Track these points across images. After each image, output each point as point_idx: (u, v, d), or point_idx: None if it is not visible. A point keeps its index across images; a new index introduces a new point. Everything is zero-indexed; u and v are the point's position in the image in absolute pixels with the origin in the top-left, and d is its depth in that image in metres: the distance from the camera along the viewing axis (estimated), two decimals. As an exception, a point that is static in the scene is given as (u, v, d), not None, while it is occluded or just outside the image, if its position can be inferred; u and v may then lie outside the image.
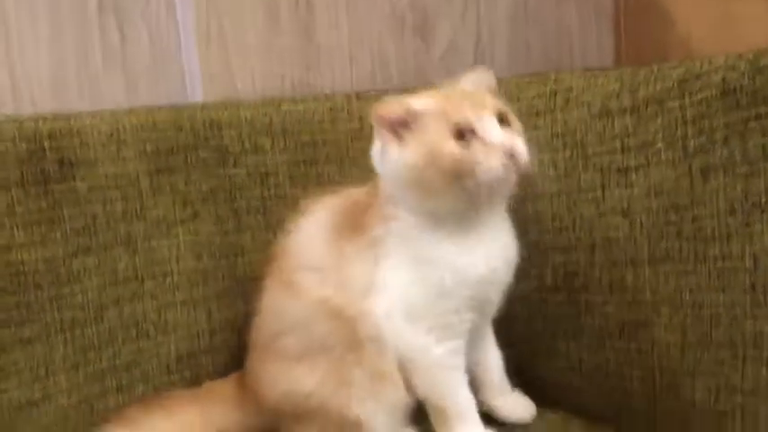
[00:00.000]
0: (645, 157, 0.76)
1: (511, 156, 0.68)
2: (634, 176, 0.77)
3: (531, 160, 0.71)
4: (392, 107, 0.72)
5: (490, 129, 0.69)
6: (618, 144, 0.79)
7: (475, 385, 0.81)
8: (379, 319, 0.73)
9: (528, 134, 0.87)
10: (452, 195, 0.70)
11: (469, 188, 0.69)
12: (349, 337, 0.74)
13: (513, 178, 0.71)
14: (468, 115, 0.69)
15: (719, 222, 0.69)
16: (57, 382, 0.81)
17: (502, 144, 0.68)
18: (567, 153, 0.84)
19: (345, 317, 0.74)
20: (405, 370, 0.75)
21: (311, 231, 0.79)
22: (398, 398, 0.76)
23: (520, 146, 0.70)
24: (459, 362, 0.77)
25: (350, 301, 0.74)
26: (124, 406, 0.86)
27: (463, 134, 0.69)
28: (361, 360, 0.75)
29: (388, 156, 0.73)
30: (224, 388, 0.87)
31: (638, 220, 0.77)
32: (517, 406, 0.85)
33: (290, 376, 0.77)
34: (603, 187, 0.81)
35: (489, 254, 0.74)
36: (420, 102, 0.72)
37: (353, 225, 0.76)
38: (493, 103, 0.72)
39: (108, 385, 0.86)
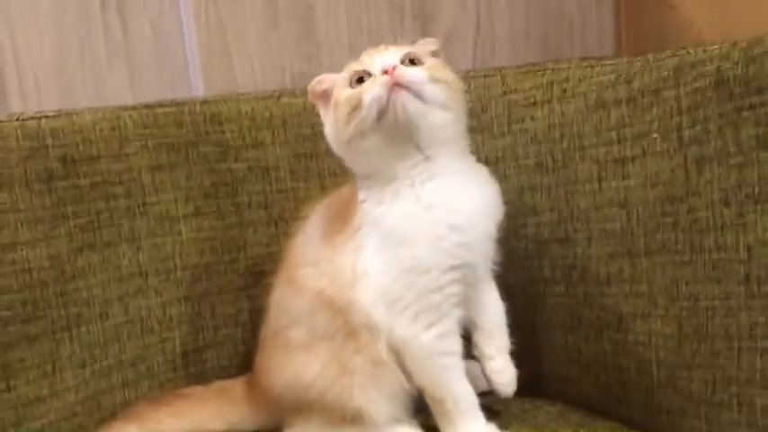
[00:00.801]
0: (641, 148, 0.76)
1: (394, 80, 0.69)
2: (630, 167, 0.77)
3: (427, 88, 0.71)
4: (317, 81, 0.78)
5: (377, 63, 0.72)
6: (614, 135, 0.79)
7: (474, 342, 0.81)
8: (366, 306, 0.74)
9: (525, 125, 0.88)
10: (371, 139, 0.72)
11: (368, 121, 0.70)
12: (346, 326, 0.75)
13: (402, 100, 0.70)
14: (363, 61, 0.74)
15: (714, 213, 0.69)
16: (63, 379, 0.83)
17: (382, 70, 0.70)
18: (564, 144, 0.84)
19: (338, 306, 0.75)
20: (400, 359, 0.76)
21: (308, 231, 0.81)
22: (399, 385, 0.77)
23: (406, 71, 0.70)
24: (452, 346, 0.75)
25: (340, 291, 0.75)
26: (130, 402, 0.87)
27: (361, 79, 0.73)
28: (360, 347, 0.75)
29: (326, 128, 0.79)
30: (234, 387, 0.89)
31: (635, 211, 0.77)
32: (503, 373, 0.80)
33: (293, 366, 0.79)
34: (600, 179, 0.81)
35: (454, 206, 0.73)
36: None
37: (341, 218, 0.78)
38: (400, 50, 0.74)
39: (114, 381, 0.87)
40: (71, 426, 0.82)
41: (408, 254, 0.72)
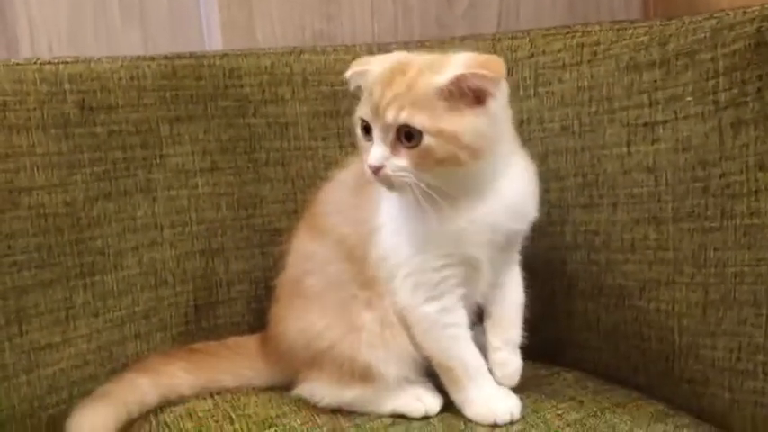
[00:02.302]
0: (673, 112, 0.74)
1: (373, 170, 0.67)
2: (661, 131, 0.76)
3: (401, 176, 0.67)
4: (353, 68, 0.73)
5: (373, 147, 0.68)
6: (645, 98, 0.77)
7: (484, 328, 0.79)
8: (377, 261, 0.74)
9: (552, 88, 0.86)
10: None
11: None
12: (359, 277, 0.75)
13: (374, 181, 0.68)
14: (365, 114, 0.69)
15: (748, 178, 0.67)
16: (76, 327, 0.82)
17: (369, 163, 0.67)
18: (593, 108, 0.82)
19: (356, 256, 0.75)
20: (406, 327, 0.75)
21: (341, 179, 0.80)
22: (408, 349, 0.75)
23: (388, 168, 0.67)
24: (456, 319, 0.74)
25: (361, 240, 0.75)
26: (142, 354, 0.87)
27: (367, 129, 0.69)
28: (371, 303, 0.75)
29: None
30: (249, 343, 0.88)
31: (664, 176, 0.76)
32: (505, 366, 0.77)
33: (305, 315, 0.78)
34: (629, 143, 0.79)
35: (463, 215, 0.70)
36: (373, 68, 0.70)
37: None
38: (395, 114, 0.66)
39: (127, 332, 0.87)
40: (82, 374, 0.81)
41: (412, 228, 0.72)
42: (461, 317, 0.75)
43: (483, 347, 0.77)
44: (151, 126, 0.88)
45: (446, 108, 0.66)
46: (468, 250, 0.72)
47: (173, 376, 0.83)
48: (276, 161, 0.96)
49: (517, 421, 0.74)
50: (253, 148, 0.95)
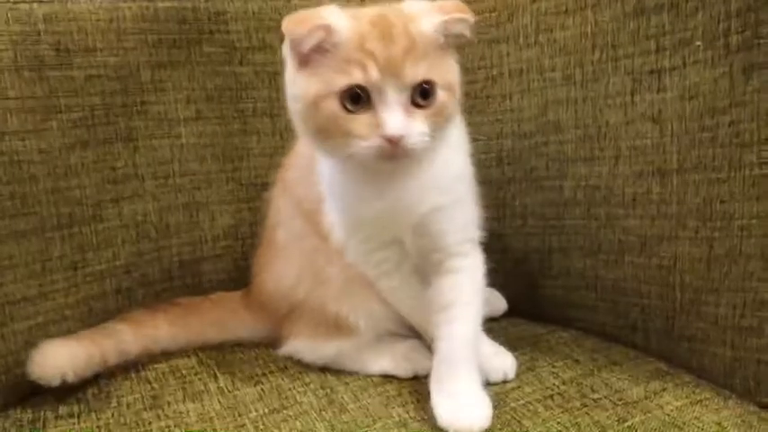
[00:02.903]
0: (681, 58, 0.71)
1: (395, 141, 0.58)
2: (668, 79, 0.72)
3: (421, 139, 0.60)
4: (308, 24, 0.58)
5: (388, 114, 0.58)
6: (652, 44, 0.73)
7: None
8: (330, 227, 0.71)
9: (554, 35, 0.82)
10: (329, 147, 0.62)
11: (354, 156, 0.60)
12: (319, 234, 0.72)
13: (391, 155, 0.59)
14: (371, 77, 0.58)
15: (759, 125, 0.64)
16: (54, 281, 0.78)
17: (392, 134, 0.58)
18: (596, 55, 0.78)
19: (312, 219, 0.72)
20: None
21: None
22: (374, 305, 0.73)
23: (412, 135, 0.59)
24: (411, 292, 0.71)
25: (313, 206, 0.72)
26: (124, 310, 0.83)
27: (358, 97, 0.59)
28: (332, 257, 0.72)
29: (288, 76, 0.63)
30: (234, 298, 0.85)
31: (670, 126, 0.72)
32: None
33: (277, 267, 0.78)
34: (633, 92, 0.75)
35: (384, 199, 0.65)
36: (340, 23, 0.59)
37: None
38: (414, 69, 0.58)
39: (107, 287, 0.83)
40: (60, 329, 0.78)
41: (341, 209, 0.70)
42: (415, 289, 0.71)
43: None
44: (132, 71, 0.83)
45: (441, 57, 0.61)
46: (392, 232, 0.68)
47: (155, 327, 0.80)
48: (264, 112, 0.92)
49: (511, 380, 0.72)
50: (239, 97, 0.91)
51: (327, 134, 0.60)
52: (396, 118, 0.58)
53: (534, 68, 0.84)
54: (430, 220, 0.67)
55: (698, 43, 0.69)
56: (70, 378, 0.72)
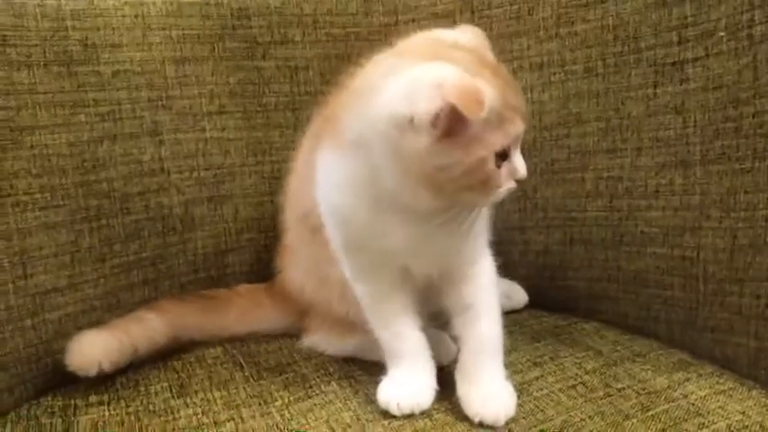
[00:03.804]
0: (704, 49, 0.71)
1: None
2: (691, 70, 0.72)
3: None
4: (483, 102, 0.54)
5: (518, 159, 0.60)
6: (675, 36, 0.73)
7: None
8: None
9: (576, 28, 0.83)
10: (467, 201, 0.60)
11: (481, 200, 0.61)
12: (319, 237, 0.70)
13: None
14: (519, 129, 0.59)
15: (784, 116, 0.64)
16: (82, 272, 0.80)
17: (524, 176, 0.61)
18: (618, 47, 0.79)
19: (307, 213, 0.71)
20: None
21: (307, 139, 0.76)
22: None
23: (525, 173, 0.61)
24: (393, 304, 0.69)
25: (311, 199, 0.69)
26: (150, 301, 0.84)
27: (506, 154, 0.59)
28: (332, 261, 0.70)
29: (416, 146, 0.56)
30: (260, 291, 0.86)
31: (693, 117, 0.72)
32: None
33: (289, 268, 0.81)
34: (656, 84, 0.76)
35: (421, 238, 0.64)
36: (486, 89, 0.55)
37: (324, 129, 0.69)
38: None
39: (134, 279, 0.85)
40: (89, 319, 0.79)
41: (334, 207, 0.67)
42: (398, 301, 0.69)
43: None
44: (156, 66, 0.85)
45: None
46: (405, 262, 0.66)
47: (183, 317, 0.82)
48: (286, 106, 0.93)
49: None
50: (262, 92, 0.92)
51: (471, 192, 0.59)
52: (522, 161, 0.60)
53: (555, 62, 0.84)
54: (454, 258, 0.67)
55: (721, 34, 0.69)
56: (106, 367, 0.73)
